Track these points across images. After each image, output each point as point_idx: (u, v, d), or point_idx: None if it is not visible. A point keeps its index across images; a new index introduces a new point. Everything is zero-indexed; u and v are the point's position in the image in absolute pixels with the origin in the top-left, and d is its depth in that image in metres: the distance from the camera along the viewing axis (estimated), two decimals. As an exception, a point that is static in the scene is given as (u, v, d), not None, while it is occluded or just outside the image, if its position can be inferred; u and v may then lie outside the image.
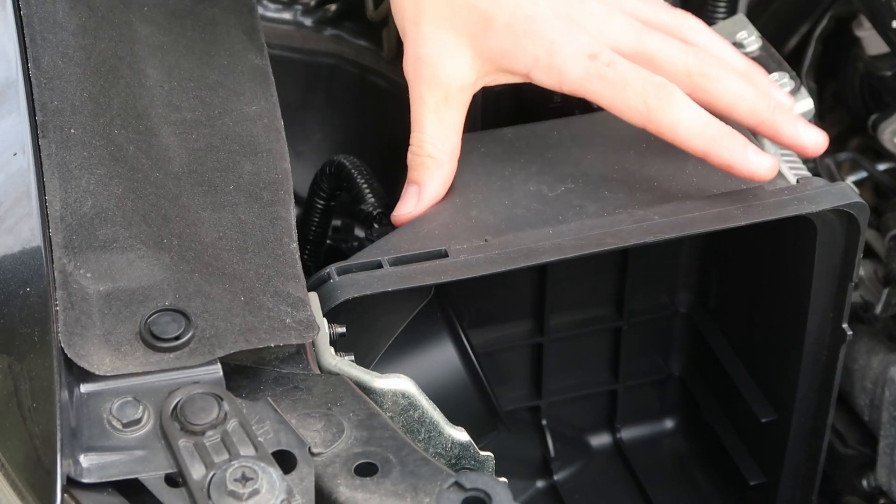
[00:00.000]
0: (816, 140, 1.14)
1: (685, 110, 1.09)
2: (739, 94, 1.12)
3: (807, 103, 1.22)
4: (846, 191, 1.12)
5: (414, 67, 1.13)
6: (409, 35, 1.13)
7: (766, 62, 1.24)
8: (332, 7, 1.52)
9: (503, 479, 0.85)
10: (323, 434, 0.88)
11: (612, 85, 1.09)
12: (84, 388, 0.87)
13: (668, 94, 1.09)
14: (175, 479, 0.84)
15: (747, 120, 1.13)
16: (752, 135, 1.17)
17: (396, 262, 1.05)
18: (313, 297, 0.99)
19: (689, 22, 1.17)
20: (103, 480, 0.83)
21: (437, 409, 0.98)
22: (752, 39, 1.26)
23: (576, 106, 1.27)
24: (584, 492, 1.42)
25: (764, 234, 1.17)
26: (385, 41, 1.51)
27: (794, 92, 1.22)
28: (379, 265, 1.05)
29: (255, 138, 1.06)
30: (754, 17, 1.46)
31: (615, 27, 1.12)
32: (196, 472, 0.82)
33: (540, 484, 1.42)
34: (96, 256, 0.93)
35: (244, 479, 0.81)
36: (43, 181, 0.96)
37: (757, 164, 1.10)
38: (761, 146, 1.18)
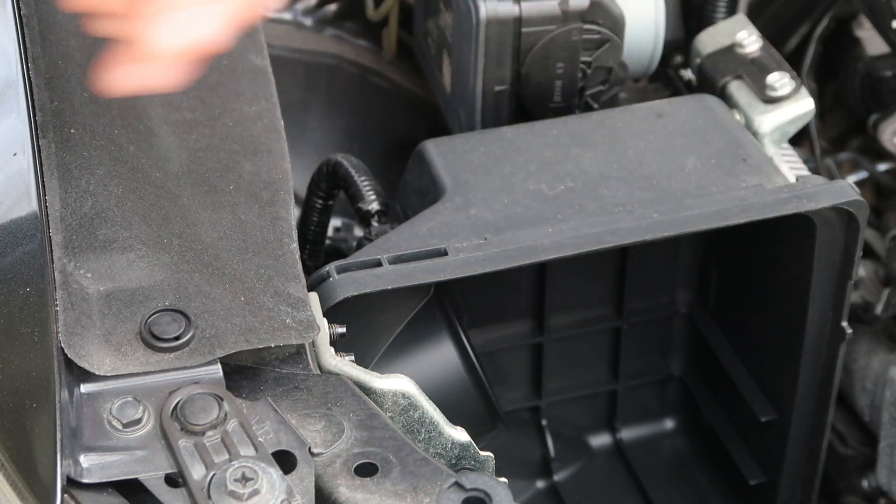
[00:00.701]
0: None
1: None
2: None
3: (807, 103, 1.22)
4: (845, 189, 1.12)
5: None
6: None
7: (766, 62, 1.24)
8: (332, 7, 1.53)
9: (503, 479, 0.85)
10: (323, 434, 0.88)
11: None
12: (84, 388, 0.87)
13: None
14: (175, 479, 0.83)
15: None
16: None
17: (396, 261, 1.05)
18: (313, 298, 0.99)
19: None
20: (103, 480, 0.83)
21: (438, 410, 0.98)
22: (753, 39, 1.26)
23: (576, 106, 1.27)
24: (584, 492, 1.41)
25: (763, 233, 1.17)
26: (385, 41, 1.51)
27: (794, 92, 1.22)
28: (378, 263, 1.05)
29: (255, 138, 1.06)
30: (754, 17, 1.46)
31: None
32: (196, 472, 0.82)
33: (540, 484, 1.42)
34: (96, 256, 0.92)
35: (244, 479, 0.81)
36: (43, 181, 0.96)
37: None
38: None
